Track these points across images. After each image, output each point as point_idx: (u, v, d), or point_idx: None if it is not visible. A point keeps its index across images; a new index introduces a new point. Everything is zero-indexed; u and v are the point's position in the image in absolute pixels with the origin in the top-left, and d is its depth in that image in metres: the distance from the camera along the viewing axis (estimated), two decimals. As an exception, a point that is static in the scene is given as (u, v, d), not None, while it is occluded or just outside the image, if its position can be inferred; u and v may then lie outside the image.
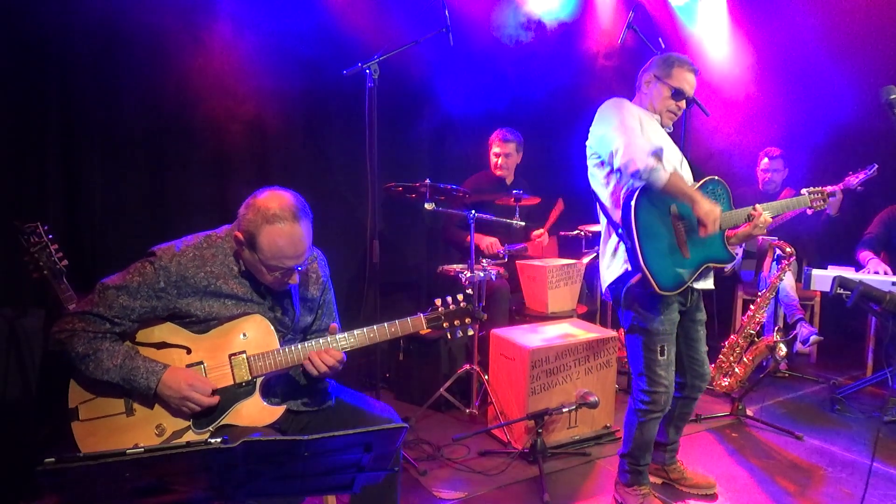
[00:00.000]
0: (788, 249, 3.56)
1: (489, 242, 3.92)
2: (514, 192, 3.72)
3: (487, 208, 3.79)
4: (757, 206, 2.50)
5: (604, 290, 2.57)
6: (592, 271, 4.27)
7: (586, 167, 2.56)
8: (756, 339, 3.58)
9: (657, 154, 2.22)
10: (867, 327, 4.39)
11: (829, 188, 2.90)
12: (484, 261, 3.55)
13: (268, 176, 3.86)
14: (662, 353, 2.43)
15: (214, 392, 1.79)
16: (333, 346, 1.90)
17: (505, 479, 2.85)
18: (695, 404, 2.70)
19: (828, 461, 3.09)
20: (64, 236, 2.98)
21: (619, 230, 2.40)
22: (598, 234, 4.14)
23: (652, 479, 2.75)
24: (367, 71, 2.86)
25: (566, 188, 4.31)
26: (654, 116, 2.51)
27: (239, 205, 1.87)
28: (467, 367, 3.48)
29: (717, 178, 2.48)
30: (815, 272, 3.63)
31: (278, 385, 1.98)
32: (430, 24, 3.18)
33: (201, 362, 1.82)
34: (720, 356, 3.62)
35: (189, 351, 1.83)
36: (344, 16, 3.87)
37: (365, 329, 1.95)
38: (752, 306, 3.68)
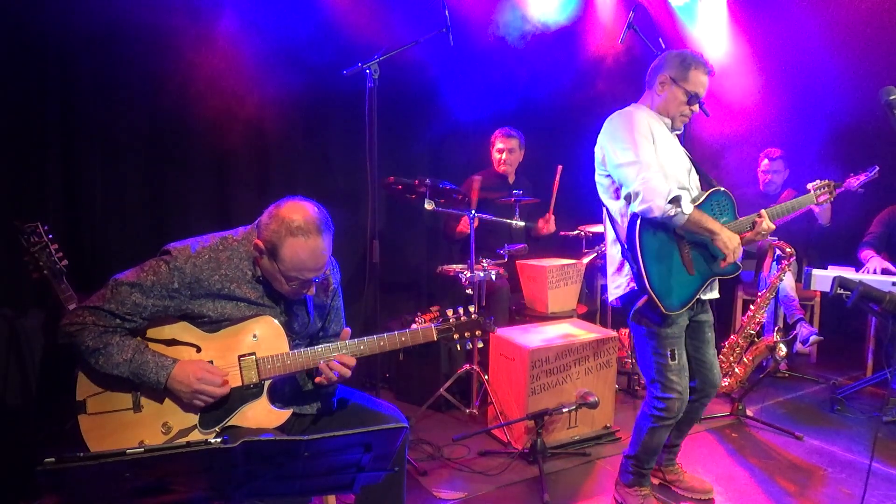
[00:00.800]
0: (788, 249, 3.56)
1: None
2: (515, 192, 3.72)
3: (489, 207, 3.79)
4: (762, 211, 2.45)
5: (610, 300, 2.55)
6: (592, 271, 4.27)
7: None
8: (756, 339, 3.58)
9: (677, 200, 2.20)
10: (867, 327, 4.39)
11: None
12: (484, 261, 3.55)
13: (268, 176, 3.87)
14: (673, 358, 2.40)
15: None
16: (344, 351, 1.90)
17: (505, 479, 2.85)
18: (703, 410, 2.68)
19: (828, 461, 3.09)
20: (64, 236, 2.98)
21: (625, 245, 2.38)
22: (598, 235, 4.20)
23: (649, 478, 2.75)
24: (367, 71, 2.86)
25: (566, 188, 4.30)
26: (665, 120, 2.47)
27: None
28: (467, 367, 3.48)
29: (721, 188, 2.46)
30: (815, 272, 3.63)
31: (284, 389, 1.98)
32: (430, 24, 3.18)
33: (210, 362, 1.82)
34: (720, 356, 3.62)
35: (199, 349, 1.83)
36: (344, 16, 3.86)
37: (375, 337, 1.95)
38: (752, 306, 3.68)
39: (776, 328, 3.73)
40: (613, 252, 2.50)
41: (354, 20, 3.88)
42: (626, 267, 2.40)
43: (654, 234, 2.31)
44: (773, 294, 3.75)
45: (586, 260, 4.07)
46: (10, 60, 2.96)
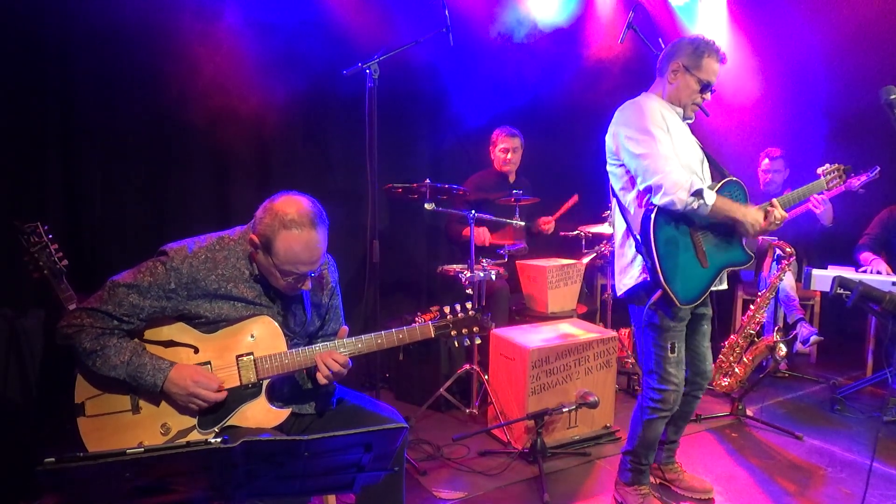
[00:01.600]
0: (788, 249, 3.56)
1: (481, 235, 3.91)
2: (515, 191, 3.72)
3: (489, 207, 3.80)
4: (774, 200, 2.42)
5: (618, 292, 2.52)
6: (592, 271, 4.27)
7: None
8: (756, 339, 3.58)
9: (699, 192, 2.19)
10: (867, 327, 4.39)
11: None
12: (484, 261, 3.55)
13: (268, 176, 3.87)
14: (673, 351, 2.41)
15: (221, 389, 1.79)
16: (341, 350, 1.90)
17: (505, 479, 2.85)
18: (696, 403, 2.69)
19: (828, 461, 3.09)
20: (64, 236, 2.98)
21: (638, 238, 2.37)
22: (598, 235, 4.20)
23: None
24: (367, 71, 2.86)
25: (566, 188, 4.30)
26: (676, 109, 2.44)
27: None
28: (467, 367, 3.48)
29: (734, 178, 2.45)
30: (816, 272, 3.63)
31: (283, 388, 1.98)
32: (430, 24, 3.18)
33: (208, 362, 1.82)
34: (720, 356, 3.62)
35: (197, 350, 1.83)
36: (344, 16, 3.87)
37: (373, 335, 1.95)
38: (752, 306, 3.68)
39: (776, 328, 3.73)
40: (625, 245, 2.47)
41: (354, 20, 3.88)
42: (639, 260, 2.37)
43: (668, 226, 2.30)
44: (773, 294, 3.75)
45: (586, 260, 4.07)
46: (11, 60, 2.96)
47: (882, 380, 3.99)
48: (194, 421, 1.80)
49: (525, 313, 3.98)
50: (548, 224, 4.22)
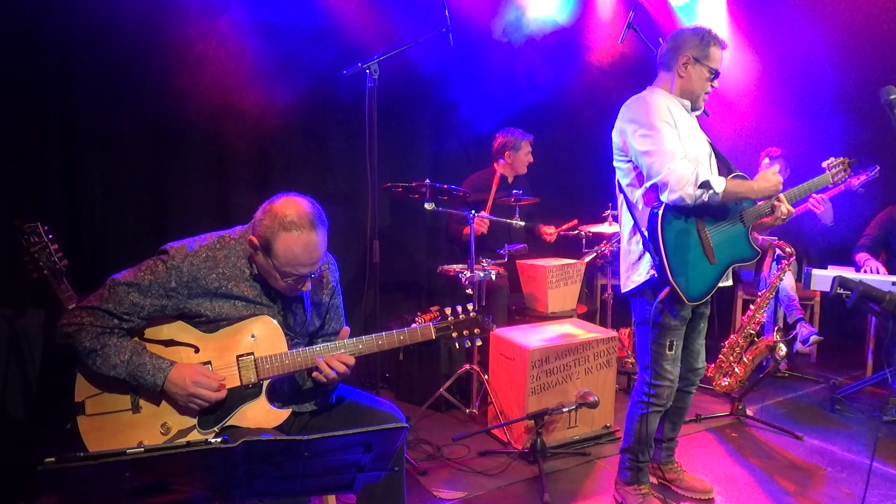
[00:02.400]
0: (788, 249, 3.55)
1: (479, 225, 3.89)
2: (515, 191, 3.72)
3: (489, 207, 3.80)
4: (780, 195, 2.43)
5: (625, 289, 2.51)
6: (592, 271, 4.27)
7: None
8: (756, 339, 3.58)
9: (706, 184, 2.20)
10: (867, 327, 4.39)
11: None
12: (484, 260, 3.55)
13: (268, 176, 3.87)
14: (671, 348, 2.43)
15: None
16: (342, 350, 1.90)
17: (505, 479, 2.85)
18: (690, 398, 2.69)
19: (828, 461, 3.09)
20: (64, 236, 2.98)
21: (645, 235, 2.37)
22: (598, 235, 4.20)
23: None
24: (367, 71, 2.86)
25: (566, 188, 4.31)
26: (684, 102, 2.45)
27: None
28: (467, 367, 3.48)
29: (740, 173, 2.44)
30: (815, 272, 3.63)
31: (283, 388, 1.97)
32: (430, 24, 3.18)
33: (209, 362, 1.82)
34: (720, 356, 3.61)
35: (197, 350, 1.82)
36: (344, 16, 3.87)
37: (374, 336, 1.95)
38: (752, 306, 3.67)
39: (776, 328, 3.73)
40: (632, 241, 2.46)
41: (354, 20, 3.88)
42: (647, 256, 2.37)
43: (676, 223, 2.30)
44: (773, 294, 3.74)
45: (586, 260, 4.08)
46: (10, 60, 2.96)
47: (882, 380, 3.99)
48: (194, 421, 1.80)
49: (525, 313, 3.97)
50: (550, 235, 4.24)
